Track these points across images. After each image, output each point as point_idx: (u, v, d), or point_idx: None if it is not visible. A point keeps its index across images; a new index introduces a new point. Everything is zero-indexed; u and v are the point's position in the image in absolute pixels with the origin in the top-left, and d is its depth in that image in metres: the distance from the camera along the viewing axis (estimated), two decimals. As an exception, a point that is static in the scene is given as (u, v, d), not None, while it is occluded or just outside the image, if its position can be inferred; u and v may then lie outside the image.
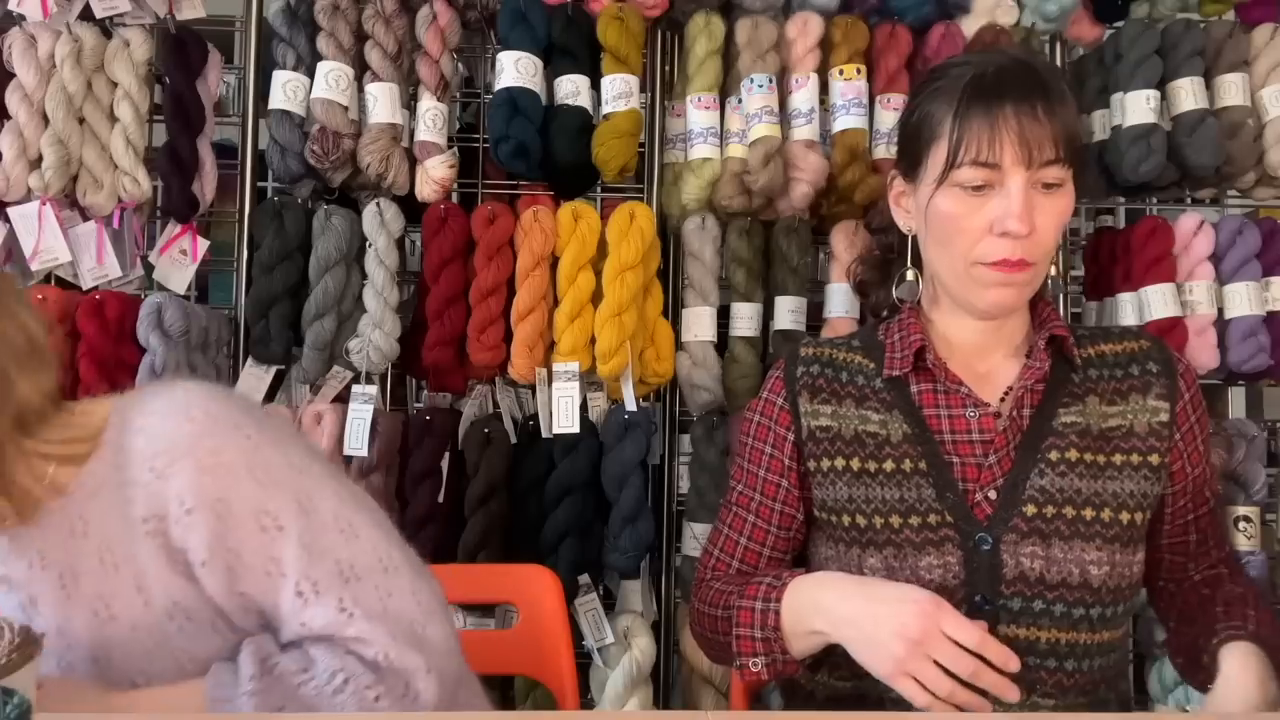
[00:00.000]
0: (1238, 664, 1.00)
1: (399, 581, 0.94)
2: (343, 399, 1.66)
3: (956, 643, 0.94)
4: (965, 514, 1.06)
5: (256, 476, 0.91)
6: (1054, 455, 1.06)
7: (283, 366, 1.69)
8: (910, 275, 1.16)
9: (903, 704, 0.99)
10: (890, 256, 1.26)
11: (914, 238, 1.16)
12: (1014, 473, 1.06)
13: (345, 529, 0.93)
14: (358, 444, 1.60)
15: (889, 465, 1.09)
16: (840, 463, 1.11)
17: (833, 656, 1.06)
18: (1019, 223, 1.01)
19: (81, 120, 1.65)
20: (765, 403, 1.18)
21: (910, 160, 1.13)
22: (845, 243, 1.69)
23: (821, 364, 1.16)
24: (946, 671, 0.94)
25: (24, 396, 0.91)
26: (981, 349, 1.13)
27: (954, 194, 1.06)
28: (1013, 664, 0.95)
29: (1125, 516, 1.05)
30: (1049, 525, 1.04)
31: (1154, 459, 1.08)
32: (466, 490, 1.63)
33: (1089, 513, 1.04)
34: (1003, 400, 1.10)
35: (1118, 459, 1.07)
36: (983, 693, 0.95)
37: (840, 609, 1.02)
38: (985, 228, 1.04)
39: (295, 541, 0.91)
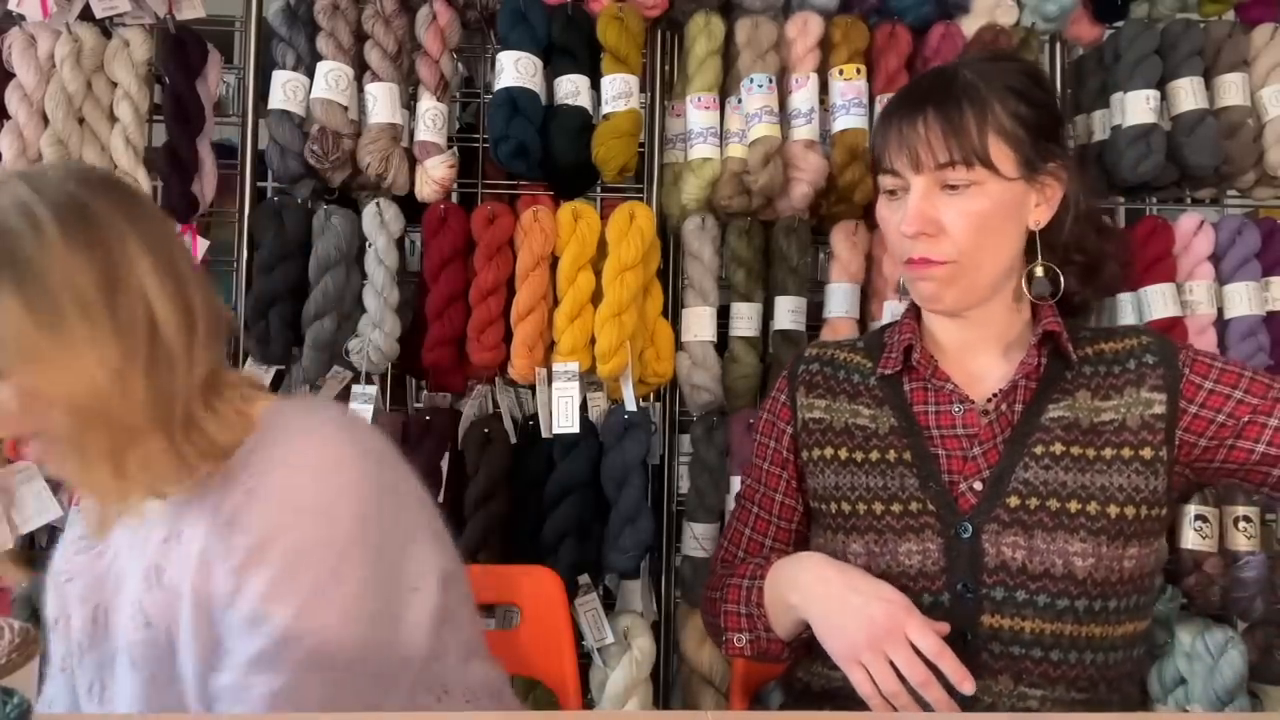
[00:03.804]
0: None
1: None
2: (343, 399, 1.66)
3: (917, 651, 0.97)
4: (948, 503, 1.07)
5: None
6: (1039, 449, 1.07)
7: (283, 366, 1.68)
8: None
9: None
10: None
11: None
12: (1000, 466, 1.08)
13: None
14: (358, 444, 1.60)
15: (874, 455, 1.13)
16: (829, 451, 1.16)
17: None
18: (906, 223, 1.08)
19: (81, 120, 1.65)
20: (771, 400, 1.26)
21: None
22: (845, 243, 1.69)
23: (822, 362, 1.22)
24: (899, 674, 0.97)
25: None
26: (968, 347, 1.15)
27: (882, 200, 1.15)
28: (967, 686, 0.97)
29: (1114, 510, 1.05)
30: (1032, 517, 1.05)
31: (1146, 452, 1.07)
32: (466, 490, 1.63)
33: (1074, 505, 1.05)
34: (991, 400, 1.11)
35: (1107, 453, 1.07)
36: (926, 705, 0.97)
37: (815, 588, 1.07)
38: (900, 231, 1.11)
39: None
